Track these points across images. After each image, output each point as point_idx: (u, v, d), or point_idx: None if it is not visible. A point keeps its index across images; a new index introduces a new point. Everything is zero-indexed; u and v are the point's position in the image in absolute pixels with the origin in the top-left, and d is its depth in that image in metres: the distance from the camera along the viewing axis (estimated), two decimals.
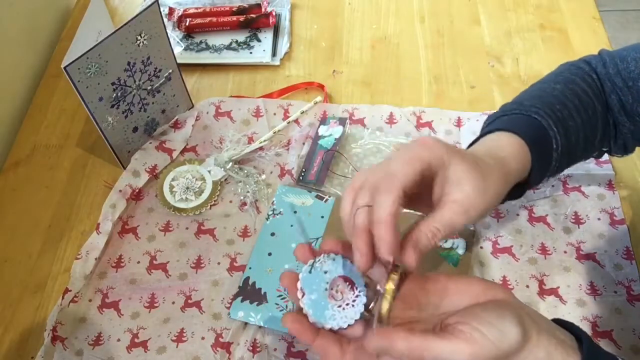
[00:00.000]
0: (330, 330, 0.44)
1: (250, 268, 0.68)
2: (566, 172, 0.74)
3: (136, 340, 0.64)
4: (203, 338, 0.64)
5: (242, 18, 0.92)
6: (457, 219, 0.45)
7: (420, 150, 0.45)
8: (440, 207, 0.45)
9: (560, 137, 0.54)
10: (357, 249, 0.44)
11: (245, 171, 0.76)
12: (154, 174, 0.76)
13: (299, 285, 0.45)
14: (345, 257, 0.47)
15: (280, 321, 0.46)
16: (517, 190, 0.54)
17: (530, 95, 0.58)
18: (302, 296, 0.45)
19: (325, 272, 0.46)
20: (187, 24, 0.92)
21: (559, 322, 0.44)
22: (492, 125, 0.55)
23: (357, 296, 0.45)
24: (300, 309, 0.45)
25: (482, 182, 0.45)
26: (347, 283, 0.46)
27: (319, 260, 0.47)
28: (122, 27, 0.66)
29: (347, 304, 0.45)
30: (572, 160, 0.59)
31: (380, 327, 0.43)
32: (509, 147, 0.52)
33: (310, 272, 0.46)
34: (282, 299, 0.65)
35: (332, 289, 0.46)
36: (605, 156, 0.76)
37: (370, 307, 0.45)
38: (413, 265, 0.44)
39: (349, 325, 0.44)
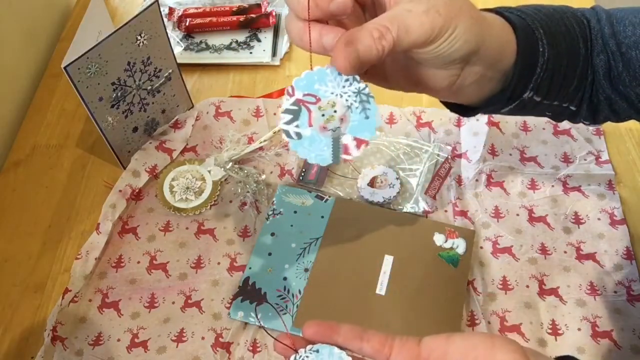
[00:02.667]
0: None
1: (250, 268, 0.68)
2: (566, 172, 0.74)
3: (136, 340, 0.64)
4: (203, 338, 0.64)
5: (242, 18, 0.92)
6: (411, 16, 0.38)
7: None
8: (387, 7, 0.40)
9: (545, 47, 0.48)
10: None
11: (245, 171, 0.76)
12: (154, 174, 0.76)
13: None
14: (331, 346, 0.42)
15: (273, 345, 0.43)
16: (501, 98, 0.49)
17: (519, 6, 0.51)
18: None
19: None
20: (187, 24, 0.92)
21: (567, 358, 0.40)
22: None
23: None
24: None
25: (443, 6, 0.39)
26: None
27: (300, 356, 0.42)
28: (122, 27, 0.66)
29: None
30: (551, 91, 0.50)
31: None
32: (497, 22, 0.46)
33: None
34: (282, 299, 0.65)
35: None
36: (606, 156, 0.76)
37: None
38: (341, 65, 0.37)
39: None
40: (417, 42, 0.39)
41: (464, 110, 0.52)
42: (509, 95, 0.48)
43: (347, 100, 0.41)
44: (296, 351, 0.42)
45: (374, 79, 0.46)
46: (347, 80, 0.40)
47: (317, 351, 0.41)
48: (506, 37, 0.46)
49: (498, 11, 0.48)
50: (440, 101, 0.53)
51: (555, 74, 0.49)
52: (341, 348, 0.41)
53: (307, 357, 0.42)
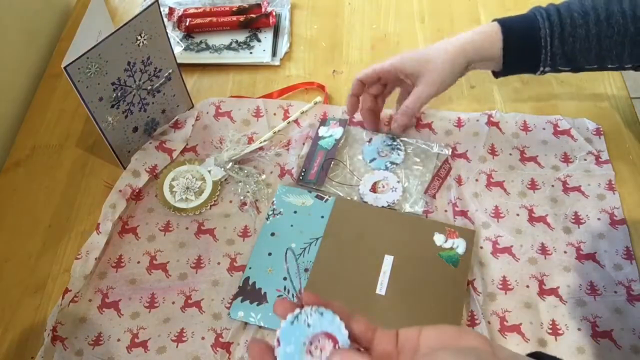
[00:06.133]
0: None
1: (250, 268, 0.68)
2: (566, 172, 0.74)
3: (136, 340, 0.64)
4: (203, 338, 0.64)
5: (242, 18, 0.92)
6: (416, 101, 0.72)
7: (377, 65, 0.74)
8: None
9: (554, 38, 0.67)
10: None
11: (245, 171, 0.76)
12: (154, 174, 0.76)
13: (277, 334, 0.42)
14: (334, 314, 0.43)
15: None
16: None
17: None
18: (278, 346, 0.42)
19: (309, 326, 0.43)
20: (187, 24, 0.92)
21: (538, 356, 0.41)
22: None
23: (336, 355, 0.42)
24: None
25: (438, 74, 0.70)
26: (330, 340, 0.42)
27: (305, 312, 0.43)
28: (122, 27, 0.66)
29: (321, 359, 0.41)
30: (583, 63, 0.69)
31: None
32: (485, 36, 0.70)
33: (292, 323, 0.42)
34: (282, 299, 0.65)
35: (311, 344, 0.42)
36: (606, 156, 0.76)
37: None
38: (398, 128, 0.75)
39: None
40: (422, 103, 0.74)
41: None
42: (517, 71, 0.73)
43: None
44: (301, 307, 0.43)
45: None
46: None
47: (322, 314, 0.43)
48: (494, 44, 0.70)
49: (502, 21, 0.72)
50: None
51: (579, 52, 0.68)
52: None
53: (311, 314, 0.43)
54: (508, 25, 0.69)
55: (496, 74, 0.74)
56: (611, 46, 0.66)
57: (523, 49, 0.69)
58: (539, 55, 0.68)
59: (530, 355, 0.41)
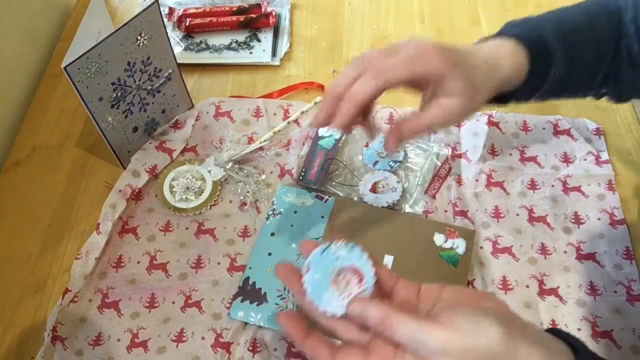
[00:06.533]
0: (323, 314, 0.43)
1: (250, 268, 0.68)
2: (566, 172, 0.74)
3: (136, 340, 0.64)
4: (203, 338, 0.64)
5: (242, 18, 0.92)
6: (437, 122, 0.53)
7: (422, 62, 0.51)
8: (426, 108, 0.53)
9: (560, 49, 0.56)
10: (321, 106, 0.52)
11: (245, 171, 0.76)
12: (154, 174, 0.76)
13: (306, 262, 0.44)
14: (363, 252, 0.45)
15: (275, 318, 0.45)
16: (506, 97, 0.58)
17: (551, 16, 0.61)
18: (307, 272, 0.44)
19: (337, 258, 0.45)
20: (187, 24, 0.92)
21: (555, 332, 0.42)
22: (500, 32, 0.59)
23: (361, 291, 0.44)
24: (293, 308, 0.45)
25: (471, 98, 0.52)
26: (357, 276, 0.45)
27: (335, 244, 0.45)
28: (122, 27, 0.66)
29: (349, 295, 0.43)
30: (572, 83, 0.59)
31: None
32: (507, 54, 0.55)
33: (322, 253, 0.45)
34: (282, 299, 0.65)
35: (338, 275, 0.44)
36: (606, 156, 0.76)
37: None
38: (392, 148, 0.53)
39: (341, 315, 0.43)
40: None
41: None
42: (518, 95, 0.58)
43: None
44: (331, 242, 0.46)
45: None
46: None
47: (351, 249, 0.45)
48: (517, 70, 0.55)
49: (525, 41, 0.56)
50: None
51: (570, 82, 0.58)
52: None
53: (340, 247, 0.45)
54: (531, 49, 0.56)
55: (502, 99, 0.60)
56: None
57: (539, 74, 0.57)
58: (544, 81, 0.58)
59: (549, 330, 0.43)
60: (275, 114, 0.82)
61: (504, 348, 0.38)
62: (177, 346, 0.63)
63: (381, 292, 0.46)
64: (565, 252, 0.69)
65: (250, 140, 0.79)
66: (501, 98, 0.58)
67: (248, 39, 0.92)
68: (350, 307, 0.42)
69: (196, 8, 0.95)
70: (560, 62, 0.56)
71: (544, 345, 0.40)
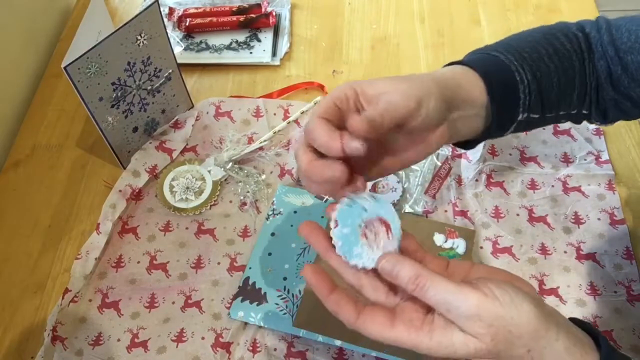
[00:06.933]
0: (354, 268, 0.43)
1: (250, 268, 0.68)
2: (566, 172, 0.74)
3: (136, 340, 0.64)
4: (203, 338, 0.64)
5: (242, 18, 0.92)
6: (394, 107, 0.45)
7: (332, 93, 0.46)
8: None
9: (526, 73, 0.53)
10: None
11: (245, 171, 0.76)
12: (154, 174, 0.76)
13: (333, 216, 0.43)
14: (389, 202, 0.45)
15: (301, 273, 0.44)
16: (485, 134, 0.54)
17: (500, 41, 0.58)
18: (335, 227, 0.43)
19: (365, 210, 0.44)
20: (187, 24, 0.92)
21: (575, 321, 0.43)
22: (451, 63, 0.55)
23: (391, 242, 0.43)
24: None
25: (405, 85, 0.46)
26: (384, 227, 0.44)
27: (362, 196, 0.44)
28: (122, 27, 0.66)
29: (378, 247, 0.43)
30: (548, 106, 0.55)
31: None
32: (459, 74, 0.51)
33: (350, 206, 0.44)
34: (282, 299, 0.65)
35: (366, 227, 0.43)
36: (606, 156, 0.76)
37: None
38: (361, 126, 0.43)
39: (372, 268, 0.42)
40: (404, 115, 0.46)
41: (465, 144, 0.56)
42: (496, 125, 0.53)
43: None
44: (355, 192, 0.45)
45: (384, 166, 0.50)
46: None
47: (377, 200, 0.45)
48: (472, 84, 0.51)
49: (470, 59, 0.54)
50: None
51: (545, 91, 0.54)
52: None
53: (367, 199, 0.44)
54: (477, 65, 0.53)
55: (467, 143, 0.55)
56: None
57: (504, 87, 0.52)
58: (518, 95, 0.53)
59: (573, 319, 0.43)
60: (275, 114, 0.82)
61: (533, 327, 0.38)
62: (177, 346, 0.63)
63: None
64: (565, 252, 0.69)
65: (250, 140, 0.79)
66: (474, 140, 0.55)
67: (248, 39, 0.92)
68: (382, 263, 0.41)
69: (196, 8, 0.95)
70: (525, 79, 0.53)
71: (572, 331, 0.40)
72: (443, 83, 0.49)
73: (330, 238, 0.43)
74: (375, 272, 0.43)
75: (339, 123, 0.45)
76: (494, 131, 0.53)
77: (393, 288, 0.43)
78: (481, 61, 0.53)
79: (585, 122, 0.76)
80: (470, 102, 0.51)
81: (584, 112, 0.57)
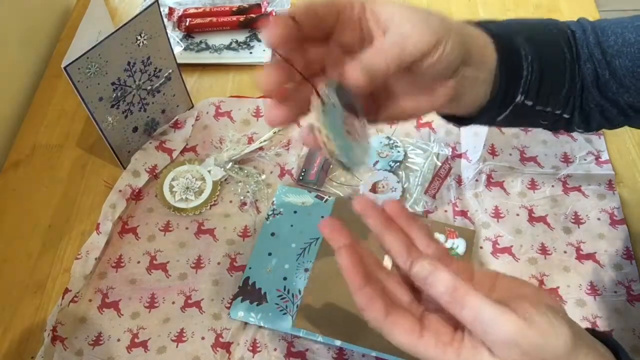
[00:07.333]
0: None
1: (250, 268, 0.68)
2: (566, 172, 0.74)
3: (136, 340, 0.64)
4: (203, 338, 0.64)
5: (242, 18, 0.92)
6: (407, 42, 0.39)
7: None
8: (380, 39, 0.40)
9: (527, 51, 0.49)
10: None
11: (245, 171, 0.76)
12: (154, 174, 0.76)
13: (323, 134, 0.37)
14: (332, 82, 0.38)
15: (336, 255, 0.41)
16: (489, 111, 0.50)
17: (496, 20, 0.53)
18: (329, 141, 0.37)
19: (334, 106, 0.38)
20: (187, 24, 0.92)
21: (592, 332, 0.41)
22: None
23: (363, 125, 0.39)
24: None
25: (424, 15, 0.40)
26: (351, 112, 0.39)
27: (324, 94, 0.38)
28: (122, 27, 0.66)
29: (358, 135, 0.39)
30: (541, 95, 0.51)
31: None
32: (471, 29, 0.46)
33: (325, 110, 0.38)
34: (282, 299, 0.65)
35: (345, 124, 0.39)
36: (606, 156, 0.76)
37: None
38: (358, 79, 0.37)
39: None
40: (417, 54, 0.40)
41: (459, 120, 0.53)
42: (501, 98, 0.49)
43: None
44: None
45: (385, 112, 0.46)
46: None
47: (331, 87, 0.39)
48: (484, 42, 0.47)
49: (478, 23, 0.49)
50: (437, 113, 0.53)
51: (543, 78, 0.50)
52: None
53: (328, 94, 0.38)
54: (486, 28, 0.49)
55: (471, 117, 0.51)
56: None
57: (511, 56, 0.49)
58: (522, 72, 0.49)
59: (588, 329, 0.41)
60: None
61: (567, 351, 0.36)
62: (177, 346, 0.63)
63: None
64: (565, 252, 0.69)
65: (250, 140, 0.79)
66: (465, 118, 0.51)
67: (248, 39, 0.92)
68: (416, 268, 0.38)
69: (196, 8, 0.95)
70: (528, 51, 0.49)
71: (596, 348, 0.38)
72: (461, 29, 0.43)
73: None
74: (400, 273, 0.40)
75: (318, 30, 0.39)
76: (494, 107, 0.49)
77: (417, 293, 0.40)
78: (489, 26, 0.48)
79: None
80: (481, 61, 0.46)
81: (565, 116, 0.53)
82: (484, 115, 0.50)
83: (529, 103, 0.51)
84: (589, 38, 0.53)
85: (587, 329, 0.41)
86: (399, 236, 0.43)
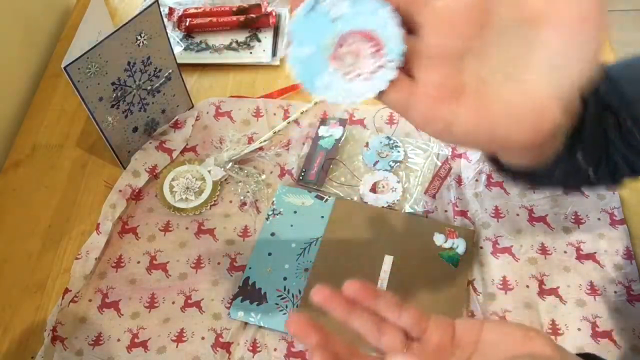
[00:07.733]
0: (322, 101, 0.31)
1: (250, 268, 0.68)
2: None
3: (136, 340, 0.64)
4: (203, 338, 0.64)
5: (242, 18, 0.92)
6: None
7: None
8: None
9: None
10: None
11: (245, 171, 0.76)
12: (154, 174, 0.76)
13: (288, 29, 0.30)
14: (380, 2, 0.28)
15: (284, 325, 0.40)
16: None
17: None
18: (289, 46, 0.30)
19: (334, 19, 0.29)
20: (187, 24, 0.92)
21: (587, 356, 0.39)
22: None
23: (380, 66, 0.29)
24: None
25: None
26: (371, 43, 0.29)
27: None
28: (122, 27, 0.66)
29: (360, 75, 0.29)
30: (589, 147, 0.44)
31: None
32: None
33: (309, 12, 0.29)
34: (282, 299, 0.65)
35: (341, 45, 0.29)
36: None
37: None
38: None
39: (352, 103, 0.29)
40: None
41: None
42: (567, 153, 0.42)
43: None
44: None
45: None
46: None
47: (357, 1, 0.28)
48: None
49: None
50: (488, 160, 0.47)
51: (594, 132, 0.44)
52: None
53: (336, 2, 0.29)
54: None
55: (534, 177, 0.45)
56: None
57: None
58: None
59: (581, 355, 0.39)
60: (275, 114, 0.82)
61: None
62: (177, 346, 0.63)
63: (409, 337, 0.40)
64: (565, 252, 0.69)
65: (250, 140, 0.79)
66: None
67: (248, 39, 0.92)
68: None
69: (196, 8, 0.95)
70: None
71: None
72: None
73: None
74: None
75: None
76: (558, 161, 0.42)
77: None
78: None
79: None
80: None
81: (592, 168, 0.46)
82: (548, 170, 0.43)
83: (582, 160, 0.44)
84: (600, 86, 0.44)
85: (583, 355, 0.39)
86: (366, 317, 0.41)
